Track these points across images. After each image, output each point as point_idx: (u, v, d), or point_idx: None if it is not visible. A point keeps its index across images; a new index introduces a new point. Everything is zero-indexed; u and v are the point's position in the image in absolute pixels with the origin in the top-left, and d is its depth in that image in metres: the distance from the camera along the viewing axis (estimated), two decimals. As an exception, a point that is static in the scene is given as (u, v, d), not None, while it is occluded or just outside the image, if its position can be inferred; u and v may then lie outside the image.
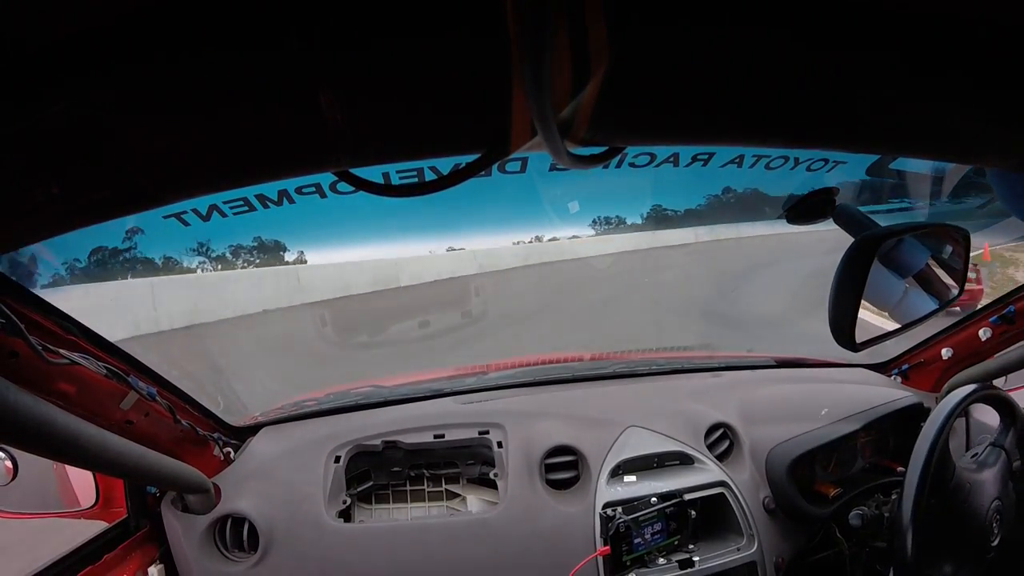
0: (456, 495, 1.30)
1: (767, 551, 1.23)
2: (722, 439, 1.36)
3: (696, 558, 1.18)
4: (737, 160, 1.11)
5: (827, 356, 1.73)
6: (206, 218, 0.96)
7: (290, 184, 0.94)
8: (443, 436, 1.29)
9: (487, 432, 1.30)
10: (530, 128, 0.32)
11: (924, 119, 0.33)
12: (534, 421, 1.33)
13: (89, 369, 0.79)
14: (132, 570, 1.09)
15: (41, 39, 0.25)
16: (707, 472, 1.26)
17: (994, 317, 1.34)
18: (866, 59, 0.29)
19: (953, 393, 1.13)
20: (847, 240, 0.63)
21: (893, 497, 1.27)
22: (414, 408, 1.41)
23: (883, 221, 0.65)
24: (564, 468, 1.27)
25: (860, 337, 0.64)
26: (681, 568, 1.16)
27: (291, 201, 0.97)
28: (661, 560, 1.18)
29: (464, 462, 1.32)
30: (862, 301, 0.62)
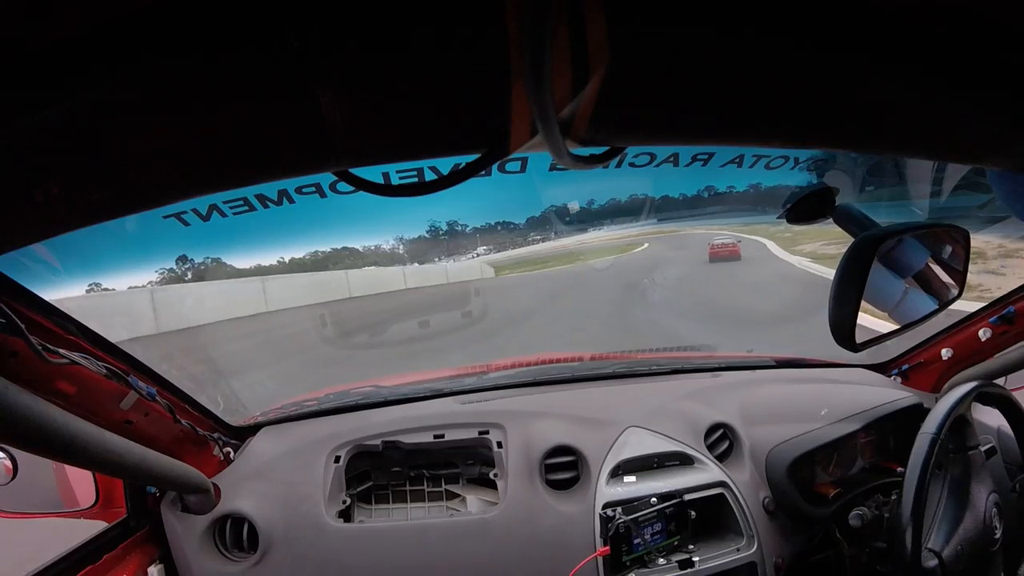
0: (456, 495, 1.30)
1: (767, 551, 1.23)
2: (722, 439, 1.36)
3: (696, 558, 1.17)
4: (737, 160, 1.11)
5: (826, 356, 1.74)
6: (206, 218, 0.95)
7: (290, 184, 0.94)
8: (443, 436, 1.29)
9: (487, 432, 1.30)
10: (530, 128, 0.32)
11: (924, 119, 0.33)
12: (534, 421, 1.33)
13: (89, 369, 0.79)
14: (132, 570, 1.09)
15: (41, 39, 0.25)
16: (707, 472, 1.26)
17: (994, 317, 1.34)
18: (866, 60, 0.29)
19: (952, 391, 1.13)
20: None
21: (893, 497, 1.27)
22: (414, 408, 1.41)
23: (883, 221, 0.65)
24: (564, 468, 1.27)
25: (860, 337, 0.64)
26: (681, 568, 1.16)
27: (291, 201, 0.97)
28: (661, 560, 1.18)
29: (464, 462, 1.32)
30: (862, 301, 0.62)
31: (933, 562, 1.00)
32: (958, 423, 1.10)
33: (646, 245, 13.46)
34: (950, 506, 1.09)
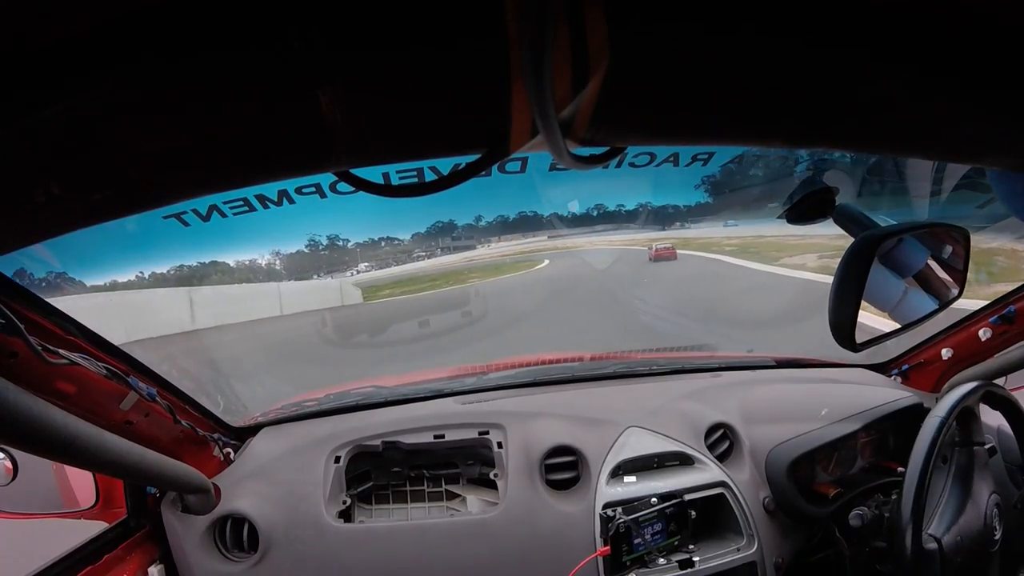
0: (456, 495, 1.30)
1: (767, 551, 1.23)
2: (722, 439, 1.36)
3: (696, 558, 1.18)
4: (737, 160, 1.11)
5: (827, 356, 1.74)
6: (206, 218, 0.96)
7: (290, 184, 0.94)
8: (443, 436, 1.29)
9: (487, 432, 1.30)
10: (530, 128, 0.32)
11: (924, 119, 0.33)
12: (534, 421, 1.33)
13: (89, 369, 0.79)
14: (132, 570, 1.09)
15: (41, 39, 0.25)
16: (707, 472, 1.26)
17: (994, 317, 1.34)
18: (866, 59, 0.29)
19: (953, 391, 1.13)
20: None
21: (893, 497, 1.27)
22: (414, 408, 1.41)
23: (883, 221, 0.65)
24: (564, 468, 1.27)
25: (860, 337, 0.64)
26: (681, 568, 1.16)
27: (291, 201, 0.97)
28: (661, 560, 1.18)
29: (464, 462, 1.32)
30: (862, 301, 0.62)
31: (932, 545, 1.01)
32: (965, 415, 1.10)
33: (546, 262, 11.82)
34: (953, 496, 1.09)
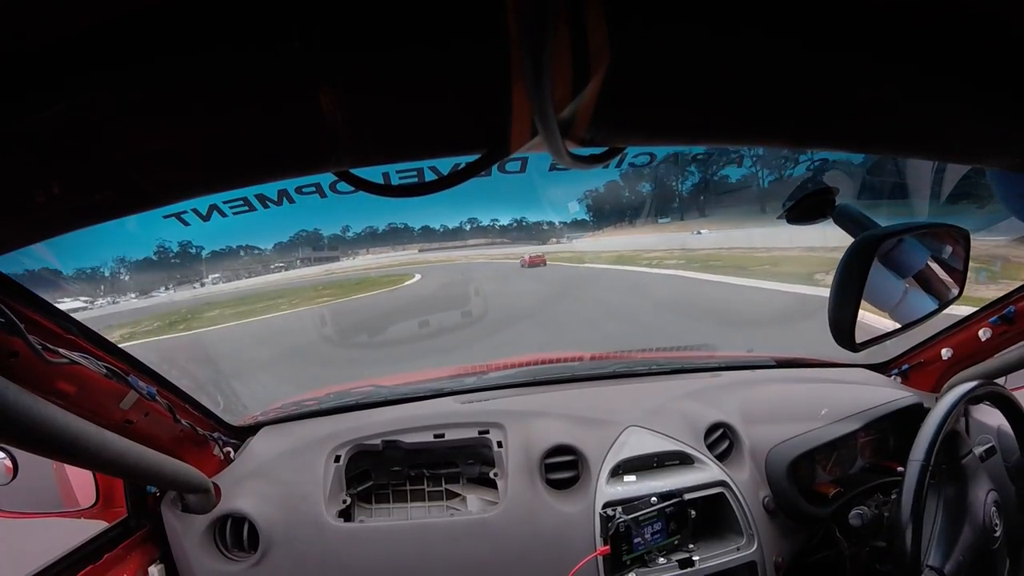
0: (456, 495, 1.30)
1: (767, 551, 1.23)
2: (722, 439, 1.36)
3: (696, 558, 1.18)
4: (737, 160, 1.11)
5: (826, 356, 1.74)
6: (206, 218, 0.96)
7: (290, 184, 0.94)
8: (443, 436, 1.29)
9: (487, 432, 1.30)
10: (530, 128, 0.32)
11: (924, 119, 0.33)
12: (534, 421, 1.33)
13: (89, 369, 0.79)
14: (132, 570, 1.09)
15: (41, 39, 0.25)
16: (707, 472, 1.26)
17: (994, 317, 1.34)
18: (866, 59, 0.29)
19: (953, 390, 1.13)
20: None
21: (893, 497, 1.27)
22: (414, 408, 1.41)
23: (883, 221, 0.65)
24: (564, 468, 1.27)
25: (860, 337, 0.64)
26: (681, 568, 1.16)
27: (291, 201, 0.97)
28: (661, 560, 1.18)
29: (464, 462, 1.32)
30: (862, 301, 0.62)
31: None
32: (948, 438, 1.09)
33: (418, 277, 10.96)
34: (946, 520, 1.08)
